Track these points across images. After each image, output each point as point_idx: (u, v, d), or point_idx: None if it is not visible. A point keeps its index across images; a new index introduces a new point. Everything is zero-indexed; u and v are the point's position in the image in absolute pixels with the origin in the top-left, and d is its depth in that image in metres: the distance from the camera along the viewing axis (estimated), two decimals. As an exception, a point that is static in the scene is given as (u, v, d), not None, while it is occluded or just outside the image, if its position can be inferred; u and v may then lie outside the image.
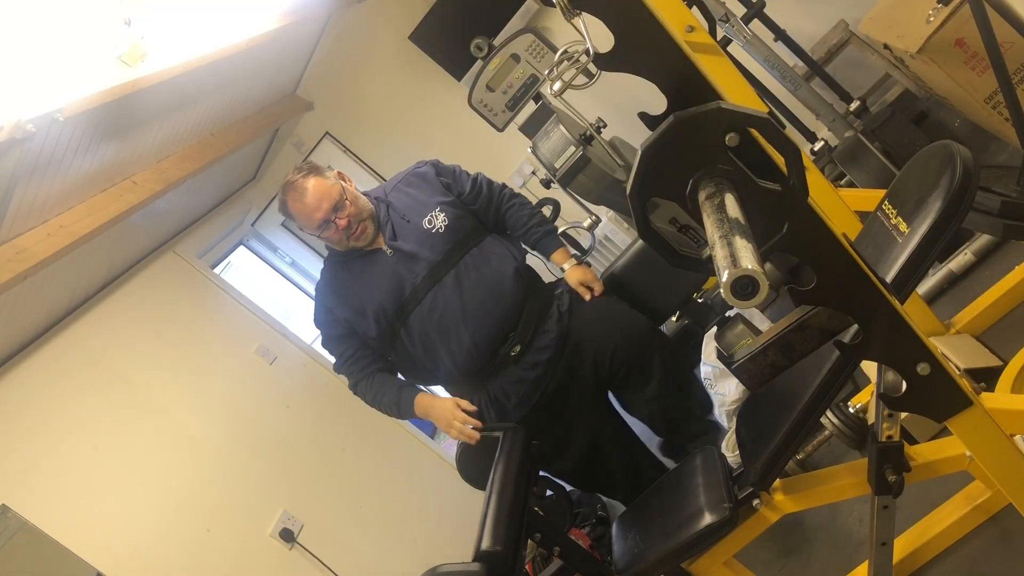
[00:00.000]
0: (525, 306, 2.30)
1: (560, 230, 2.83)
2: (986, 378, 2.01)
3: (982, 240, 2.49)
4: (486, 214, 2.47)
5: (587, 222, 2.80)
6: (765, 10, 3.13)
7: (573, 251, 2.44)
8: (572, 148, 2.16)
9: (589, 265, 2.46)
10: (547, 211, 3.41)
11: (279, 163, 4.63)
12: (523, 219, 2.44)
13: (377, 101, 4.45)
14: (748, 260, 0.91)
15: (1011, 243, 2.41)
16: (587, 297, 2.38)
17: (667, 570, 1.74)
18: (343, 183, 2.36)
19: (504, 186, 2.47)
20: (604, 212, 3.51)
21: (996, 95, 2.37)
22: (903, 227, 1.55)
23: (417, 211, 2.35)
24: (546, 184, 2.61)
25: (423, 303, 2.27)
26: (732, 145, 1.05)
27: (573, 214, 2.98)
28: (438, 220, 2.32)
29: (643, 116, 1.19)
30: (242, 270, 5.07)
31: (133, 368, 3.19)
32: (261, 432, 3.52)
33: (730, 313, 2.69)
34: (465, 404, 2.25)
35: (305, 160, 2.41)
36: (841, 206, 2.25)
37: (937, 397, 1.32)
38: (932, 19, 2.38)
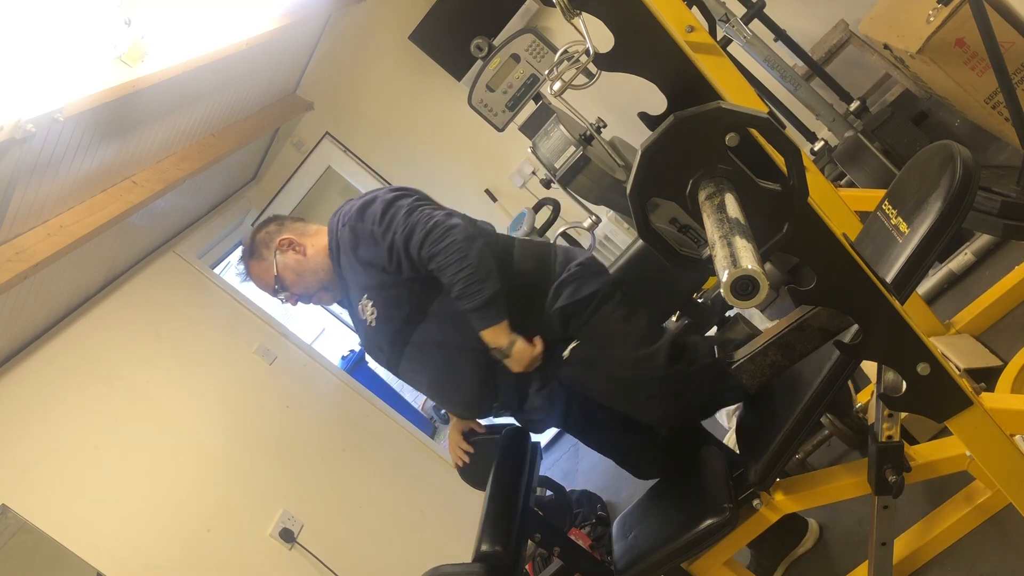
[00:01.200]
0: (498, 383, 1.91)
1: (560, 230, 2.83)
2: (986, 378, 2.01)
3: (982, 240, 2.49)
4: (424, 278, 1.88)
5: (587, 222, 2.79)
6: (765, 10, 3.13)
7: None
8: (572, 148, 2.16)
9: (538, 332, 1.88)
10: (547, 211, 3.42)
11: (279, 163, 4.63)
12: (449, 287, 1.82)
13: (377, 101, 4.45)
14: (748, 260, 0.91)
15: (1011, 243, 2.41)
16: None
17: (667, 570, 1.74)
18: (281, 257, 2.01)
19: (426, 235, 1.79)
20: (604, 212, 3.51)
21: (996, 95, 2.37)
22: (903, 227, 1.55)
23: (350, 292, 1.99)
24: (546, 184, 2.61)
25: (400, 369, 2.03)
26: (732, 145, 1.05)
27: (573, 214, 2.98)
28: (367, 312, 1.91)
29: (643, 116, 1.19)
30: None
31: (133, 368, 3.19)
32: (261, 432, 3.52)
33: (730, 313, 2.69)
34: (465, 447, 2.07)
35: (255, 224, 2.17)
36: (841, 206, 2.25)
37: (937, 397, 1.32)
38: (932, 19, 2.38)
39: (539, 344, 1.82)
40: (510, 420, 2.10)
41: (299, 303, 2.07)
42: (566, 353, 1.84)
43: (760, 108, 2.20)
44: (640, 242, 2.50)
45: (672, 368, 1.79)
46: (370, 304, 1.90)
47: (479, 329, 1.80)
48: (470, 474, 2.06)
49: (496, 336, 1.80)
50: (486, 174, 4.42)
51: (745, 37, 2.97)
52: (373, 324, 1.90)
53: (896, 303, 1.26)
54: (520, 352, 1.81)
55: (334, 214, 2.00)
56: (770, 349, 1.30)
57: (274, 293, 2.04)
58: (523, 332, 1.83)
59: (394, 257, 1.83)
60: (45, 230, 2.46)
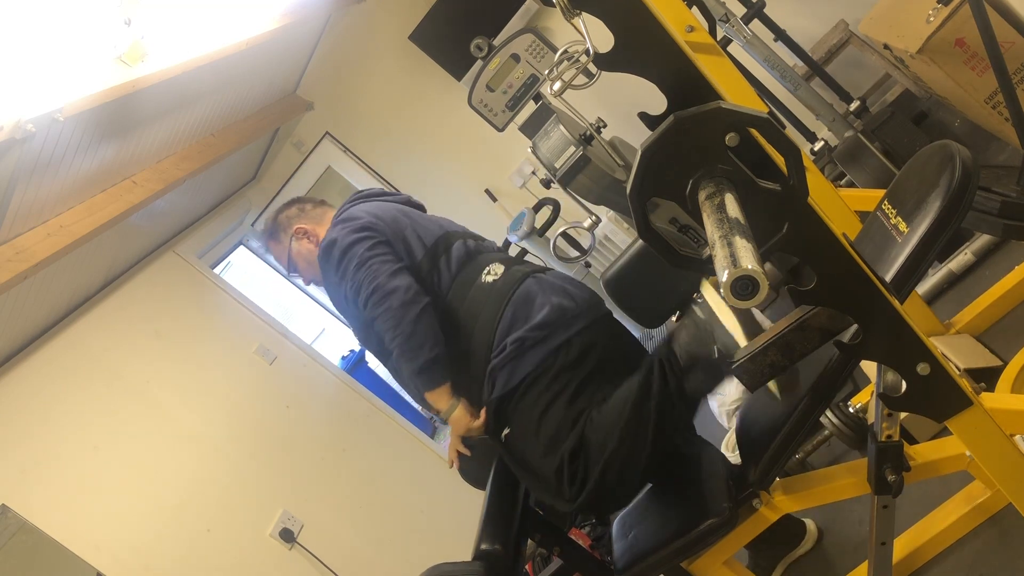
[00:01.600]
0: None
1: (560, 230, 2.83)
2: (986, 378, 2.01)
3: (982, 240, 2.49)
4: None
5: (587, 222, 2.79)
6: (765, 10, 3.13)
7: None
8: (572, 148, 2.16)
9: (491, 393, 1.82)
10: (547, 211, 3.42)
11: (279, 163, 4.63)
12: (391, 349, 1.82)
13: (377, 101, 4.45)
14: (748, 260, 0.91)
15: (1011, 243, 2.41)
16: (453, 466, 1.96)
17: (667, 569, 1.74)
18: (295, 244, 2.11)
19: (368, 296, 1.80)
20: (604, 212, 3.51)
21: (996, 95, 2.37)
22: (903, 227, 1.55)
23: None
24: (546, 184, 2.61)
25: None
26: (732, 145, 1.05)
27: (573, 214, 2.98)
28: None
29: (643, 116, 1.19)
30: (242, 270, 5.08)
31: (133, 368, 3.19)
32: (261, 432, 3.52)
33: (730, 313, 2.68)
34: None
35: (281, 204, 2.22)
36: (841, 206, 2.25)
37: (937, 397, 1.32)
38: (932, 19, 2.38)
39: (482, 415, 1.83)
40: None
41: (312, 285, 2.19)
42: (502, 436, 1.80)
43: (760, 108, 2.20)
44: (640, 242, 2.51)
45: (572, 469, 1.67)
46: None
47: (421, 391, 1.82)
48: (470, 474, 2.06)
49: (436, 399, 1.81)
50: (486, 174, 4.42)
51: (745, 37, 2.97)
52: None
53: (896, 303, 1.26)
54: (456, 421, 1.82)
55: (336, 214, 2.09)
56: (770, 349, 1.29)
57: (288, 274, 2.18)
58: (470, 397, 1.83)
59: (352, 302, 1.90)
60: (45, 230, 2.46)
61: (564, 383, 1.72)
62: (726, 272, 0.91)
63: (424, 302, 1.80)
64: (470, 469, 2.04)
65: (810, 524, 2.15)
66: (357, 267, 1.83)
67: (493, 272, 1.89)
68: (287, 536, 3.20)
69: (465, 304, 1.84)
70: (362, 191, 2.19)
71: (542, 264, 2.04)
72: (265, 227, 2.21)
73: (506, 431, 1.79)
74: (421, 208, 2.20)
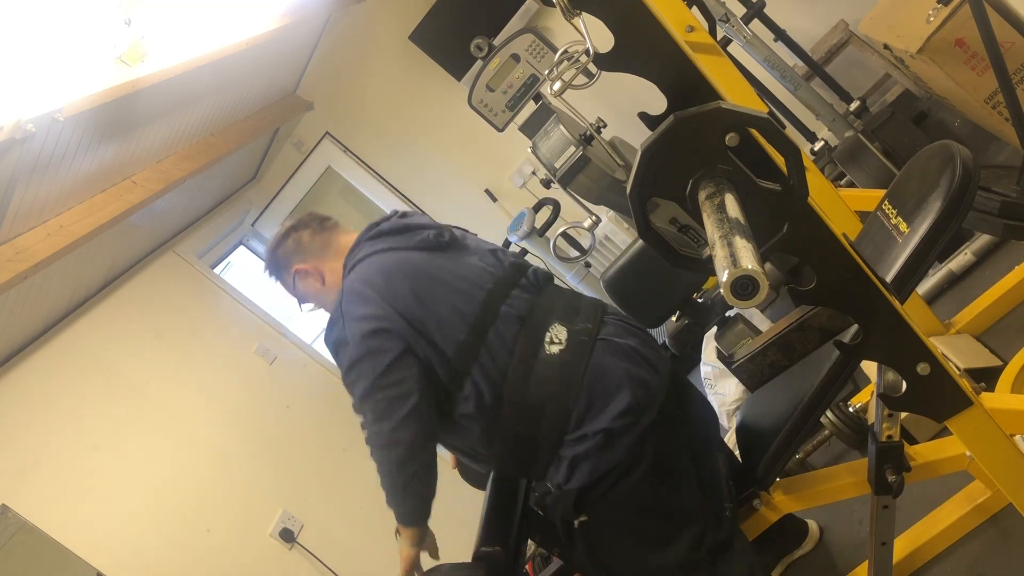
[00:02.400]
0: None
1: (560, 230, 2.83)
2: (986, 378, 2.01)
3: (982, 240, 2.49)
4: None
5: (587, 222, 2.79)
6: (765, 10, 3.13)
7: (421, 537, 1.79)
8: (572, 148, 2.15)
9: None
10: (547, 211, 3.42)
11: (279, 163, 4.63)
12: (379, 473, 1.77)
13: (377, 101, 4.45)
14: (748, 260, 0.91)
15: (1011, 243, 2.41)
16: None
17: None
18: (299, 283, 1.92)
19: (368, 434, 1.72)
20: (604, 212, 3.51)
21: (996, 95, 2.37)
22: (903, 227, 1.55)
23: None
24: (546, 184, 2.61)
25: None
26: (732, 145, 1.05)
27: (573, 214, 2.98)
28: None
29: (643, 116, 1.19)
30: (242, 270, 5.07)
31: (133, 368, 3.19)
32: (261, 432, 3.52)
33: (730, 313, 2.69)
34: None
35: (280, 233, 1.96)
36: (841, 206, 2.25)
37: (937, 397, 1.32)
38: (932, 19, 2.38)
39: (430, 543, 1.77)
40: None
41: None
42: (575, 523, 1.64)
43: (760, 108, 2.20)
44: (640, 242, 2.51)
45: None
46: None
47: (397, 521, 1.75)
48: (470, 474, 2.06)
49: (404, 532, 1.75)
50: (486, 174, 4.42)
51: (745, 37, 2.97)
52: None
53: (896, 303, 1.26)
54: (405, 559, 1.75)
55: (349, 260, 1.77)
56: (770, 349, 1.30)
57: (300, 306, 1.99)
58: (523, 467, 1.66)
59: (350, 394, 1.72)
60: (45, 230, 2.46)
61: (660, 474, 1.58)
62: (726, 272, 0.91)
63: (425, 457, 1.66)
64: (470, 470, 2.04)
65: (812, 525, 2.13)
66: (363, 397, 1.63)
67: (557, 340, 1.61)
68: (287, 536, 3.20)
69: (531, 386, 1.58)
70: (380, 225, 1.82)
71: (598, 302, 1.78)
72: (266, 261, 1.98)
73: (582, 519, 1.62)
74: (452, 243, 1.79)
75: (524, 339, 1.61)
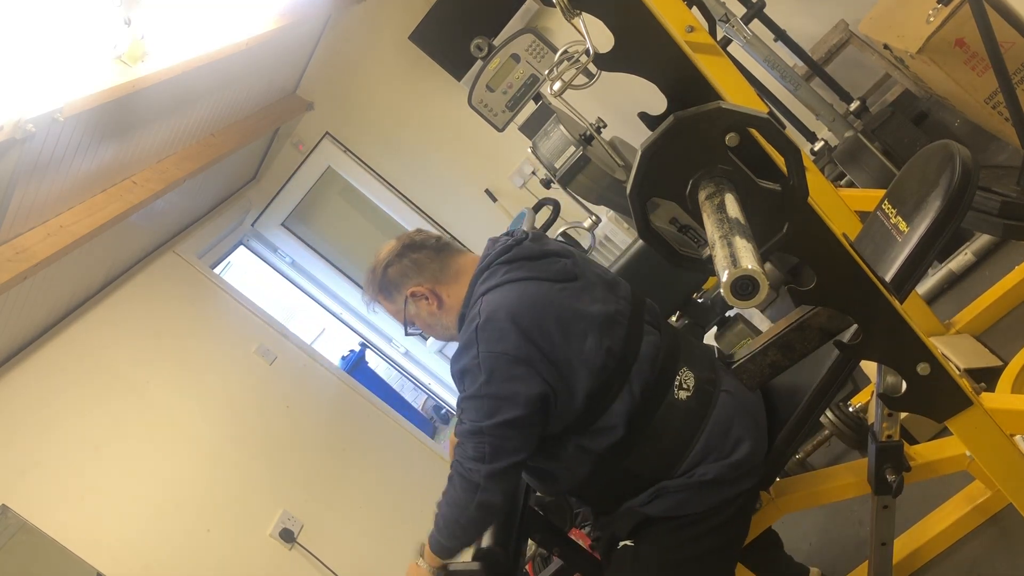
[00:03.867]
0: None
1: (561, 230, 2.83)
2: (986, 378, 2.01)
3: (982, 240, 2.49)
4: None
5: (587, 222, 2.80)
6: (765, 10, 3.13)
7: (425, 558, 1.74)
8: (572, 148, 2.16)
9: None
10: (547, 211, 3.42)
11: (279, 163, 4.63)
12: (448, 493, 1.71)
13: (377, 101, 4.45)
14: (748, 260, 0.91)
15: (1011, 243, 2.41)
16: None
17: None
18: (412, 306, 1.80)
19: (456, 467, 1.63)
20: (604, 212, 3.51)
21: (996, 95, 2.37)
22: (903, 226, 1.55)
23: None
24: (546, 184, 2.61)
25: None
26: (732, 145, 1.05)
27: (573, 214, 2.98)
28: None
29: (643, 116, 1.19)
30: (242, 270, 5.08)
31: (133, 368, 3.19)
32: (261, 432, 3.52)
33: (730, 313, 2.68)
34: None
35: (392, 253, 1.82)
36: (841, 206, 2.25)
37: (937, 397, 1.32)
38: (932, 19, 2.38)
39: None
40: None
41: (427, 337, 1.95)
42: (618, 545, 1.65)
43: (760, 108, 2.20)
44: (640, 242, 2.51)
45: None
46: None
47: (430, 542, 1.68)
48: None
49: (429, 559, 1.68)
50: (486, 174, 4.42)
51: (745, 37, 2.97)
52: None
53: (896, 303, 1.26)
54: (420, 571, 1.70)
55: (479, 282, 1.68)
56: (770, 349, 1.30)
57: (404, 327, 1.86)
58: (595, 491, 1.66)
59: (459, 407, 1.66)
60: (45, 230, 2.46)
61: (728, 537, 1.60)
62: (726, 272, 0.91)
63: (500, 513, 1.65)
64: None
65: (814, 573, 2.02)
66: (472, 432, 1.56)
67: (685, 386, 1.60)
68: (287, 536, 3.20)
69: (653, 425, 1.58)
70: (514, 248, 1.69)
71: (708, 348, 1.78)
72: (372, 279, 1.84)
73: (627, 543, 1.63)
74: (582, 270, 1.71)
75: (659, 378, 1.60)
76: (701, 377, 1.63)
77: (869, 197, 2.36)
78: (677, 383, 1.61)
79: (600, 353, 1.56)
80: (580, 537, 3.25)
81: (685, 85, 1.15)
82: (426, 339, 1.92)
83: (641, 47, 1.14)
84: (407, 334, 1.86)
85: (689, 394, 1.60)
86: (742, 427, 1.59)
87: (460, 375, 1.60)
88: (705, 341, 2.81)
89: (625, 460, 1.59)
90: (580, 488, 1.68)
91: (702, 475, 1.55)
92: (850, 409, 2.03)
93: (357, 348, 5.30)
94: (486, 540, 1.67)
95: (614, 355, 1.57)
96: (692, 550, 1.58)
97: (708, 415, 1.58)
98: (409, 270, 1.78)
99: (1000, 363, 2.08)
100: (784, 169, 1.06)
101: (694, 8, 2.70)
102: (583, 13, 1.14)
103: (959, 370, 2.03)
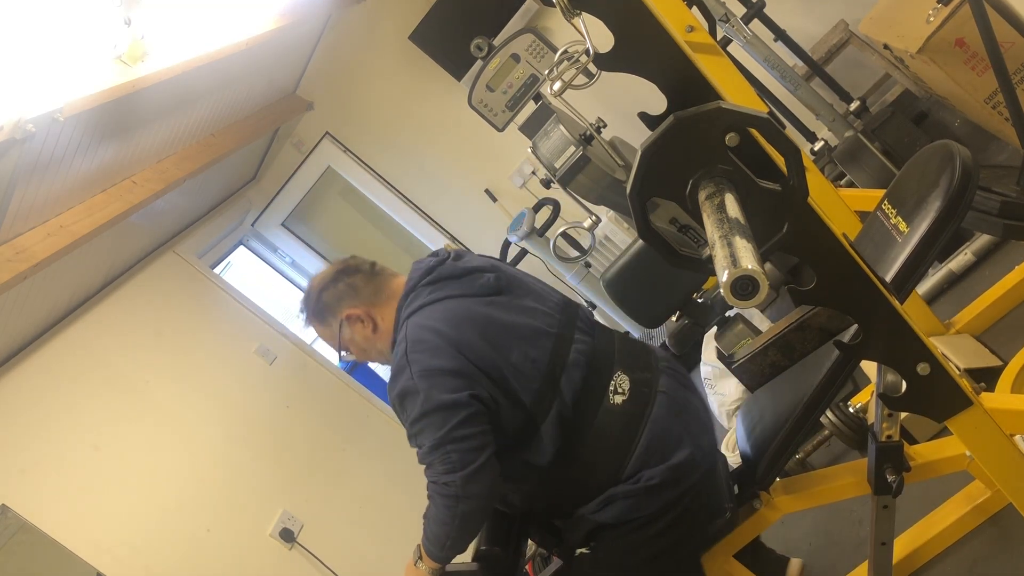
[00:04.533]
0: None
1: (560, 230, 2.83)
2: (986, 378, 2.01)
3: (982, 240, 2.49)
4: None
5: (587, 222, 2.79)
6: (765, 10, 3.13)
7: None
8: (572, 148, 2.15)
9: None
10: (547, 211, 3.42)
11: (279, 163, 4.63)
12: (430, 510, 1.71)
13: (377, 101, 4.45)
14: (748, 260, 0.91)
15: (1011, 243, 2.41)
16: None
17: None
18: (347, 330, 1.80)
19: (429, 484, 1.64)
20: (604, 212, 3.51)
21: (996, 95, 2.37)
22: (903, 226, 1.55)
23: None
24: (546, 184, 2.60)
25: None
26: (732, 145, 1.05)
27: (573, 214, 2.98)
28: None
29: (643, 116, 1.19)
30: (242, 270, 5.07)
31: (133, 368, 3.19)
32: (261, 432, 3.52)
33: (730, 313, 2.68)
34: None
35: (327, 277, 1.85)
36: (841, 206, 2.25)
37: (937, 397, 1.32)
38: (932, 19, 2.38)
39: None
40: None
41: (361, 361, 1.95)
42: (575, 552, 1.71)
43: (760, 108, 2.20)
44: (640, 242, 2.51)
45: None
46: None
47: (424, 549, 1.68)
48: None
49: (428, 565, 1.68)
50: (486, 174, 4.42)
51: (745, 37, 2.97)
52: None
53: (896, 303, 1.26)
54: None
55: (405, 306, 1.69)
56: (770, 349, 1.30)
57: (339, 350, 1.86)
58: (544, 503, 1.70)
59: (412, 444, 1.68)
60: (45, 230, 2.46)
61: (681, 533, 1.63)
62: (726, 272, 0.91)
63: (486, 514, 1.65)
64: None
65: (794, 563, 2.04)
66: (432, 448, 1.57)
67: (620, 390, 1.62)
68: (287, 536, 3.20)
69: (592, 432, 1.60)
70: (436, 270, 1.72)
71: (648, 346, 1.78)
72: (308, 304, 1.85)
73: (583, 551, 1.68)
74: (508, 284, 1.73)
75: (591, 388, 1.61)
76: (636, 379, 1.64)
77: (869, 197, 2.35)
78: (612, 388, 1.62)
79: (526, 365, 1.59)
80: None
81: (685, 85, 1.15)
82: (353, 367, 1.92)
83: (641, 47, 1.14)
84: (341, 360, 1.89)
85: (625, 398, 1.61)
86: (680, 426, 1.61)
87: (400, 399, 1.61)
88: (705, 341, 2.81)
89: (570, 470, 1.60)
90: (532, 501, 1.71)
91: (648, 479, 1.57)
92: (850, 409, 2.03)
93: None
94: (486, 541, 1.67)
95: (539, 367, 1.59)
96: (648, 551, 1.61)
97: (646, 417, 1.60)
98: (344, 294, 1.79)
99: (1000, 363, 2.08)
100: (784, 169, 1.06)
101: (694, 8, 2.70)
102: (583, 13, 1.14)
103: (959, 370, 2.03)
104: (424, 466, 1.62)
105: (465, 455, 1.55)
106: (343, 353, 1.85)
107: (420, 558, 1.70)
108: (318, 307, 1.82)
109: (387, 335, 1.76)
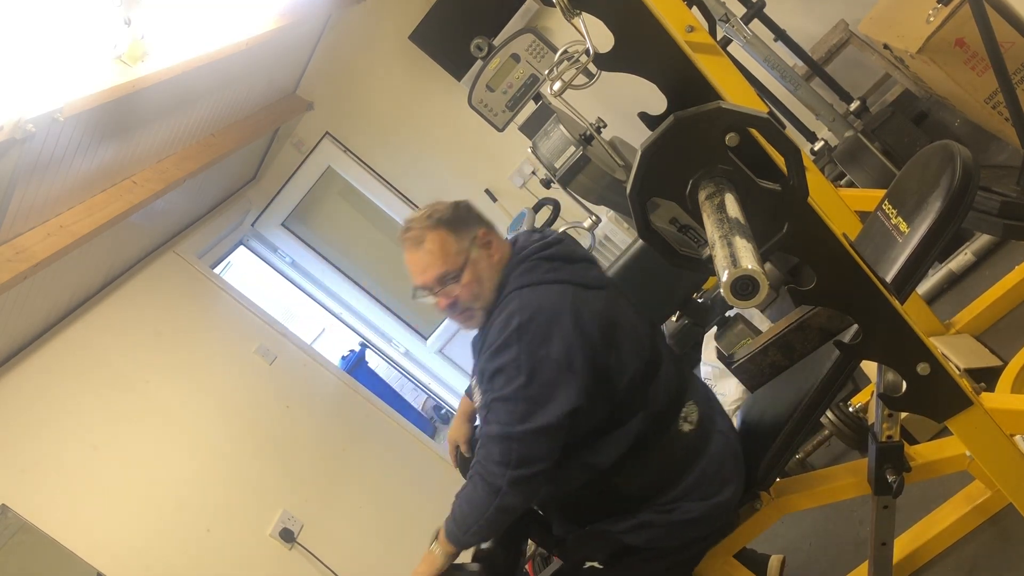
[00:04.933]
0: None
1: (560, 230, 2.82)
2: (986, 378, 2.01)
3: (982, 240, 2.49)
4: None
5: (587, 222, 2.80)
6: (765, 10, 3.13)
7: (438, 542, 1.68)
8: (572, 148, 2.16)
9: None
10: (547, 211, 3.42)
11: (279, 163, 4.63)
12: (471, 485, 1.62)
13: (377, 101, 4.45)
14: (748, 260, 0.91)
15: (1011, 243, 2.41)
16: None
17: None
18: (476, 251, 1.64)
19: (483, 451, 1.56)
20: (604, 212, 3.51)
21: (996, 95, 2.37)
22: (903, 227, 1.55)
23: (474, 370, 1.72)
24: (546, 184, 2.61)
25: None
26: (732, 145, 1.05)
27: (573, 214, 2.98)
28: (475, 394, 1.69)
29: (643, 116, 1.19)
30: (242, 270, 5.08)
31: (133, 368, 3.19)
32: (261, 432, 3.52)
33: (730, 313, 2.69)
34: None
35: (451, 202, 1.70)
36: (841, 206, 2.25)
37: (937, 397, 1.32)
38: (932, 19, 2.38)
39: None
40: None
41: (448, 308, 1.66)
42: (584, 565, 1.69)
43: (760, 108, 2.20)
44: (640, 242, 2.51)
45: None
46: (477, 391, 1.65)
47: (445, 530, 1.62)
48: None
49: (445, 547, 1.62)
50: (486, 174, 4.42)
51: (745, 37, 2.97)
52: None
53: (896, 303, 1.26)
54: (431, 567, 1.64)
55: (516, 273, 1.60)
56: (770, 349, 1.30)
57: (436, 282, 1.63)
58: (568, 502, 1.65)
59: (488, 397, 1.56)
60: (45, 230, 2.46)
61: (689, 569, 1.67)
62: (726, 272, 0.91)
63: (516, 514, 1.58)
64: (469, 467, 2.04)
65: (774, 560, 2.04)
66: (500, 435, 1.49)
67: (690, 420, 1.60)
68: (287, 536, 3.20)
69: (655, 452, 1.58)
70: (552, 248, 1.64)
71: (727, 357, 1.80)
72: (436, 211, 1.65)
73: (595, 565, 1.65)
74: (604, 281, 1.69)
75: (667, 407, 1.59)
76: (703, 414, 1.62)
77: (869, 197, 2.36)
78: (683, 415, 1.60)
79: (629, 367, 1.55)
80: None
81: (685, 85, 1.15)
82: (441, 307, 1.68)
83: (641, 47, 1.14)
84: (435, 287, 1.64)
85: (692, 428, 1.60)
86: (730, 470, 1.61)
87: (494, 374, 1.53)
88: (705, 341, 2.81)
89: (615, 480, 1.59)
90: (564, 497, 1.69)
91: (686, 511, 1.56)
92: (850, 409, 2.03)
93: (357, 348, 5.30)
94: (486, 542, 1.66)
95: (638, 373, 1.56)
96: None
97: (704, 452, 1.59)
98: (476, 216, 1.68)
99: (1000, 363, 2.08)
100: (784, 169, 1.06)
101: (694, 8, 2.70)
102: (583, 13, 1.14)
103: (959, 370, 2.03)
104: (479, 441, 1.56)
105: (525, 458, 1.49)
106: (445, 282, 1.63)
107: (435, 539, 1.65)
108: (454, 215, 1.64)
109: (492, 278, 1.63)
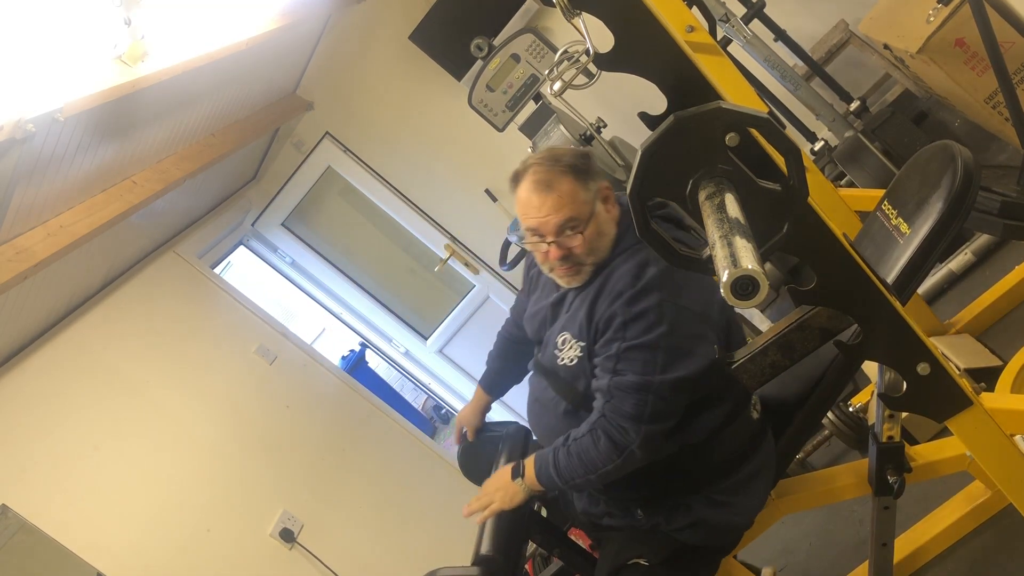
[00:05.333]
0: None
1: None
2: (986, 378, 2.01)
3: (982, 240, 2.49)
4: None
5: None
6: (765, 10, 3.13)
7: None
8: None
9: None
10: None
11: (279, 163, 4.63)
12: (566, 448, 1.56)
13: (377, 101, 4.45)
14: (748, 260, 0.91)
15: (1011, 243, 2.41)
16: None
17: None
18: (600, 205, 1.57)
19: (607, 428, 1.48)
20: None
21: (996, 95, 2.37)
22: (904, 227, 1.55)
23: (565, 324, 1.61)
24: (546, 184, 2.60)
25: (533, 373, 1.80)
26: (732, 145, 1.05)
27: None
28: (563, 349, 1.60)
29: (643, 116, 1.19)
30: (242, 270, 5.08)
31: (133, 368, 3.19)
32: (261, 432, 3.52)
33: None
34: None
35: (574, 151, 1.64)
36: (841, 206, 2.25)
37: (937, 397, 1.32)
38: (932, 19, 2.38)
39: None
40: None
41: (560, 259, 1.56)
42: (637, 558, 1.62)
43: (760, 108, 2.20)
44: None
45: None
46: (571, 345, 1.57)
47: (537, 469, 1.58)
48: (472, 471, 2.06)
49: (530, 484, 1.60)
50: (486, 174, 4.42)
51: (745, 37, 2.97)
52: (561, 364, 1.59)
53: (896, 302, 1.26)
54: (511, 498, 1.62)
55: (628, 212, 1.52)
56: (770, 349, 1.30)
57: (557, 230, 1.54)
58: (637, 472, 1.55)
59: (600, 377, 1.50)
60: (45, 230, 2.46)
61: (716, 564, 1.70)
62: (726, 272, 0.91)
63: (623, 473, 1.53)
64: (472, 466, 2.04)
65: (766, 572, 2.01)
66: (634, 385, 1.44)
67: (757, 408, 1.62)
68: (287, 536, 3.20)
69: (728, 432, 1.56)
70: (660, 201, 1.54)
71: (727, 357, 1.74)
72: (566, 158, 1.58)
73: (639, 561, 1.58)
74: None
75: (746, 391, 1.58)
76: (759, 407, 1.66)
77: (869, 197, 2.36)
78: (754, 402, 1.63)
79: (736, 337, 1.58)
80: (580, 537, 3.25)
81: (685, 85, 1.15)
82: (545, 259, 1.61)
83: (641, 47, 1.14)
84: (549, 235, 1.55)
85: (759, 416, 1.63)
86: (770, 463, 1.64)
87: (631, 320, 1.44)
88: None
89: (694, 454, 1.56)
90: (634, 484, 1.63)
91: (737, 511, 1.59)
92: (850, 409, 2.03)
93: (357, 348, 5.30)
94: (486, 545, 1.66)
95: (738, 346, 1.51)
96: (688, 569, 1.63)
97: (760, 446, 1.62)
98: (601, 168, 1.62)
99: (1000, 363, 2.08)
100: (784, 169, 1.06)
101: (694, 8, 2.70)
102: (583, 13, 1.14)
103: (959, 370, 2.03)
104: (600, 394, 1.49)
105: (659, 412, 1.44)
106: (563, 230, 1.54)
107: (520, 474, 1.60)
108: (585, 164, 1.56)
109: (608, 235, 1.56)
